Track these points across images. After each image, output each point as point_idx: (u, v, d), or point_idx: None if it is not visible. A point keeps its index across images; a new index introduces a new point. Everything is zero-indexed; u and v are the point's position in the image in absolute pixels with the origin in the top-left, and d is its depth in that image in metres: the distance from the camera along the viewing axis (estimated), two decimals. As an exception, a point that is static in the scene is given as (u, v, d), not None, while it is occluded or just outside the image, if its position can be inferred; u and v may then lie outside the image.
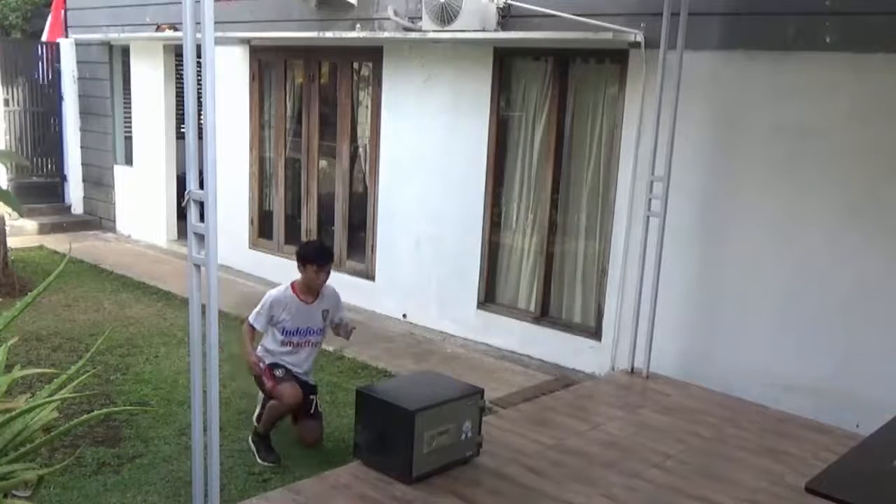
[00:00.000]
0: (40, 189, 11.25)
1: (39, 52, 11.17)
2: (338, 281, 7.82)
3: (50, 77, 11.15)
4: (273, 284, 8.38)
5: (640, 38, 5.57)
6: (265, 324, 4.73)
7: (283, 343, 4.71)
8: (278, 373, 4.64)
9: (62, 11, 11.16)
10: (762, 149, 5.22)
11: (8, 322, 3.49)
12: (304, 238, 8.27)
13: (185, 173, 3.06)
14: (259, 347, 4.78)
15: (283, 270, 8.36)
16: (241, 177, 8.78)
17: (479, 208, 6.71)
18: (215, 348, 3.07)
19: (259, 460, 4.53)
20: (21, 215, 6.41)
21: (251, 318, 4.76)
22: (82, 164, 11.19)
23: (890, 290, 4.78)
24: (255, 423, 4.71)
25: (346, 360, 6.20)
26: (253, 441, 4.65)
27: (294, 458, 4.57)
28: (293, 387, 4.56)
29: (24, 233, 10.08)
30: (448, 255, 6.89)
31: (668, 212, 5.40)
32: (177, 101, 9.75)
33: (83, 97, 10.96)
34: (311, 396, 4.77)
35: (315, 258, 4.74)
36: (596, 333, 6.16)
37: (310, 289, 4.78)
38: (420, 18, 6.55)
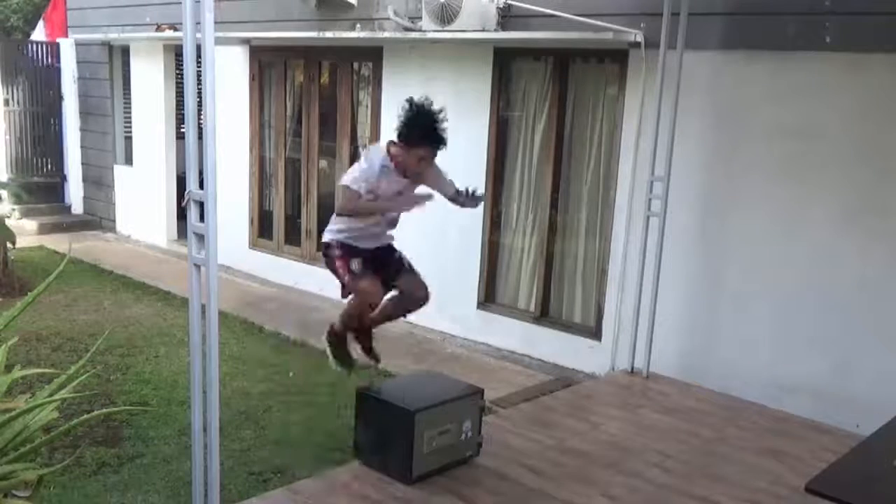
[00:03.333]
0: (40, 189, 11.26)
1: (40, 52, 11.17)
2: (338, 281, 7.86)
3: (50, 77, 11.15)
4: (273, 284, 8.48)
5: (640, 38, 5.57)
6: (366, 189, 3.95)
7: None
8: (354, 266, 4.08)
9: (58, 11, 11.16)
10: (762, 149, 5.22)
11: (8, 322, 3.48)
12: (304, 238, 8.28)
13: (185, 173, 3.06)
14: (332, 226, 4.20)
15: (283, 270, 8.40)
16: (241, 177, 8.78)
17: (478, 208, 6.68)
18: (215, 348, 3.07)
19: (332, 359, 4.26)
20: (13, 244, 6.48)
21: (352, 184, 3.94)
22: (82, 164, 11.19)
23: (890, 289, 4.78)
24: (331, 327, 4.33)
25: (346, 360, 6.20)
26: (328, 341, 4.31)
27: (294, 458, 4.57)
28: (373, 283, 4.08)
29: (24, 233, 10.07)
30: (448, 254, 6.89)
31: (668, 212, 5.40)
32: (177, 101, 9.75)
33: (83, 97, 10.97)
34: (397, 253, 4.28)
35: (427, 141, 3.95)
36: (596, 333, 6.16)
37: (404, 170, 4.05)
38: (420, 18, 6.55)
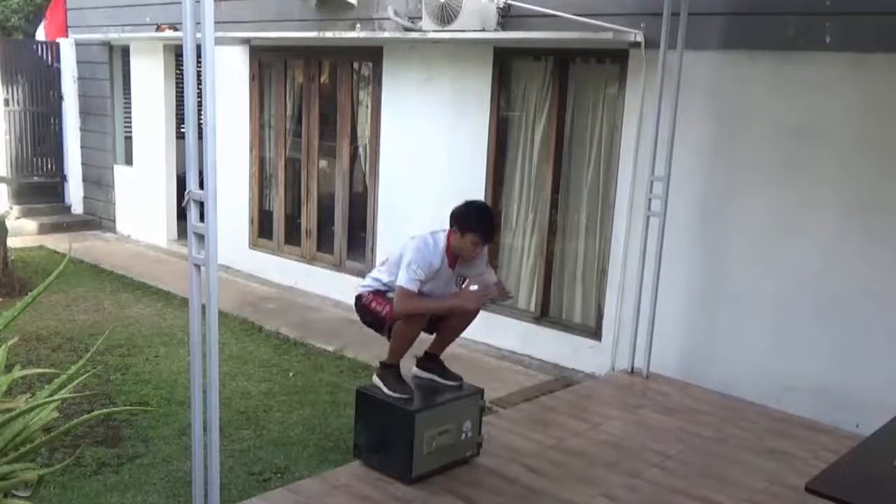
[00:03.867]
0: (40, 189, 11.26)
1: (40, 52, 11.17)
2: (338, 281, 7.87)
3: (50, 77, 11.15)
4: (273, 284, 8.48)
5: (640, 38, 5.56)
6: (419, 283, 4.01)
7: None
8: (390, 294, 4.12)
9: (58, 11, 11.15)
10: (762, 148, 5.22)
11: (8, 322, 3.48)
12: (304, 238, 8.28)
13: (185, 173, 3.06)
14: (371, 279, 4.25)
15: (283, 270, 8.40)
16: (241, 177, 8.78)
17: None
18: (215, 348, 3.07)
19: (388, 392, 4.05)
20: (3, 238, 6.53)
21: (409, 285, 3.97)
22: (82, 164, 11.19)
23: (890, 289, 4.78)
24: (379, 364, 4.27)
25: (347, 360, 6.20)
26: (379, 376, 4.15)
27: (294, 458, 4.57)
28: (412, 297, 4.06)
29: (24, 233, 10.08)
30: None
31: (668, 212, 5.40)
32: (177, 101, 9.75)
33: (83, 97, 10.97)
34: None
35: (481, 228, 4.05)
36: (596, 333, 6.16)
37: (457, 257, 4.14)
38: (420, 18, 6.55)
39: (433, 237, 4.11)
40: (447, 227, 4.13)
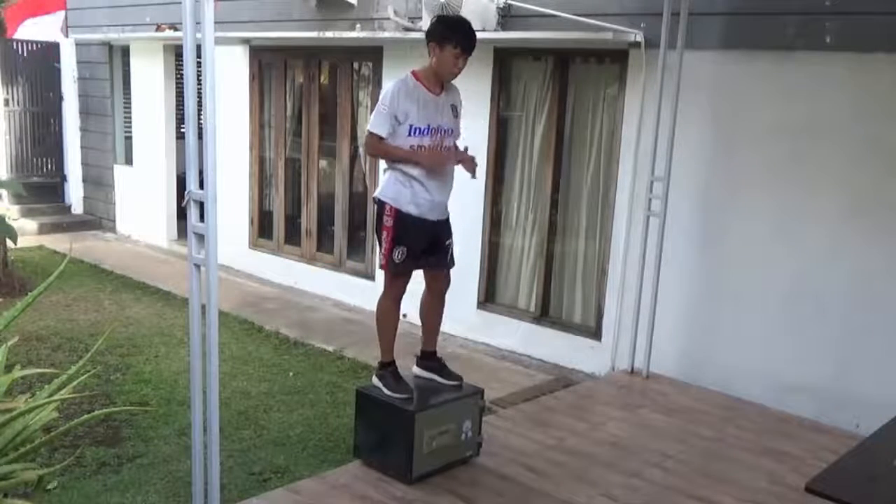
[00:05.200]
0: (40, 189, 11.25)
1: (39, 52, 11.16)
2: (338, 281, 7.87)
3: (50, 77, 11.15)
4: (273, 284, 8.48)
5: (640, 38, 5.56)
6: (391, 125, 3.87)
7: (414, 147, 3.94)
8: (397, 254, 4.00)
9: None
10: (762, 149, 5.22)
11: (8, 322, 3.49)
12: (304, 238, 8.28)
13: (185, 173, 3.06)
14: (388, 173, 4.04)
15: (283, 270, 8.40)
16: (241, 177, 8.78)
17: (479, 208, 6.70)
18: (215, 348, 3.07)
19: (388, 392, 4.01)
20: (14, 243, 6.50)
21: (372, 127, 3.91)
22: (82, 164, 11.18)
23: (890, 289, 4.78)
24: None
25: (347, 360, 6.20)
26: (378, 377, 4.11)
27: (294, 458, 4.57)
28: (406, 280, 4.09)
29: (24, 233, 10.05)
30: (448, 255, 6.89)
31: (668, 212, 5.40)
32: (177, 101, 9.75)
33: (83, 97, 10.96)
34: (448, 242, 4.18)
35: (461, 38, 3.93)
36: (596, 333, 6.16)
37: (439, 77, 4.00)
38: (420, 18, 6.55)
39: (400, 79, 3.99)
40: None
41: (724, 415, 5.05)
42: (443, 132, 4.02)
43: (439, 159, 3.97)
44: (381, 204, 4.04)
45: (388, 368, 4.14)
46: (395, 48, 7.13)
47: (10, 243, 7.97)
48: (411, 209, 3.99)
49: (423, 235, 4.05)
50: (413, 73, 4.02)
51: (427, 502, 3.80)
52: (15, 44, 10.81)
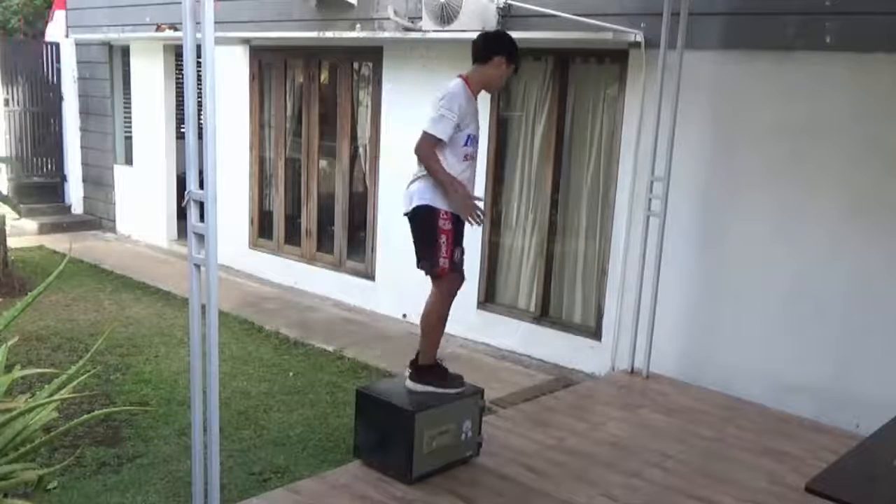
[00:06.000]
0: (40, 189, 11.27)
1: (40, 52, 11.17)
2: (337, 281, 7.88)
3: (50, 77, 11.15)
4: (273, 284, 8.48)
5: (640, 38, 5.57)
6: (453, 130, 3.83)
7: (464, 157, 3.93)
8: (458, 254, 3.98)
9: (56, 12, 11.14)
10: (762, 149, 5.22)
11: (8, 322, 3.49)
12: (304, 238, 8.28)
13: (185, 173, 3.06)
14: (425, 181, 3.95)
15: (283, 270, 8.40)
16: (241, 177, 8.78)
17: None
18: (215, 348, 3.07)
19: (442, 390, 3.99)
20: (20, 216, 6.42)
21: (432, 129, 3.85)
22: (82, 164, 11.19)
23: (890, 289, 4.78)
24: (410, 366, 4.13)
25: (346, 360, 6.21)
26: (424, 381, 4.03)
27: (294, 458, 4.57)
28: (461, 278, 4.06)
29: (24, 233, 10.08)
30: (448, 255, 6.89)
31: (668, 212, 5.40)
32: (177, 101, 9.75)
33: (83, 97, 10.97)
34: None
35: (519, 60, 4.07)
36: (596, 333, 6.16)
37: (487, 88, 4.10)
38: (420, 18, 6.55)
39: (450, 84, 3.97)
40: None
41: (724, 415, 5.05)
42: (478, 143, 4.11)
43: (469, 207, 3.97)
44: (431, 210, 3.95)
45: (435, 368, 4.10)
46: (395, 48, 7.13)
47: (10, 244, 7.98)
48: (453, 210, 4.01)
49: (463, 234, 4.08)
50: (464, 78, 4.00)
51: (427, 502, 3.80)
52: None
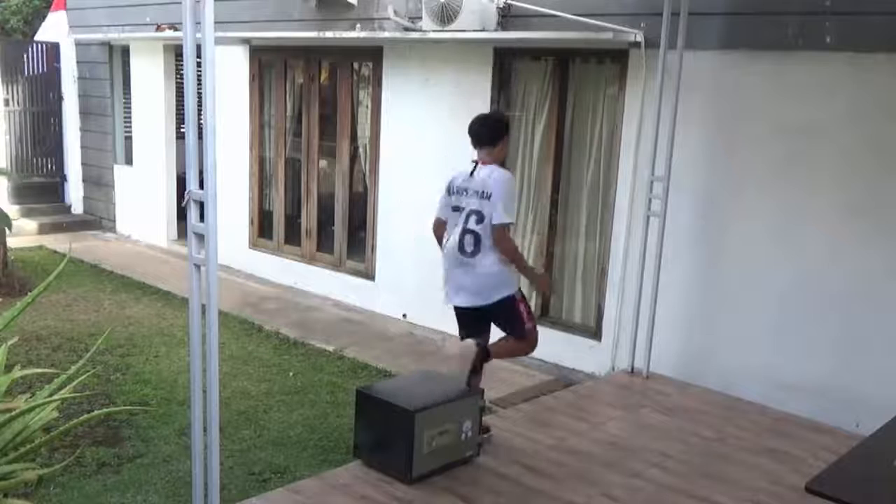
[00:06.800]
0: (40, 189, 11.26)
1: (40, 52, 11.16)
2: (337, 281, 7.87)
3: (50, 77, 11.15)
4: (273, 284, 8.48)
5: (640, 38, 5.56)
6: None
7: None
8: (531, 311, 4.42)
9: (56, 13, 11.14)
10: (762, 149, 5.22)
11: (8, 322, 3.49)
12: (304, 238, 8.28)
13: (185, 173, 3.06)
14: (494, 259, 4.27)
15: (283, 270, 8.40)
16: (241, 177, 8.78)
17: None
18: (215, 348, 3.07)
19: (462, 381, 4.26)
20: (10, 230, 6.43)
21: (510, 217, 4.26)
22: (82, 164, 11.18)
23: (890, 289, 4.78)
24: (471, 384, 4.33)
25: (346, 360, 6.21)
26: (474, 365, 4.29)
27: (294, 458, 4.57)
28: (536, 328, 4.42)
29: (24, 233, 10.08)
30: (448, 255, 6.89)
31: (668, 212, 5.40)
32: (177, 101, 9.75)
33: (83, 97, 10.96)
34: None
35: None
36: (596, 333, 6.15)
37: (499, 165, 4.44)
38: (420, 18, 6.55)
39: (497, 174, 4.28)
40: (474, 159, 4.43)
41: (724, 415, 5.05)
42: None
43: (547, 284, 5.06)
44: (511, 298, 4.32)
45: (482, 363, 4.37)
46: (395, 48, 7.13)
47: (10, 244, 7.98)
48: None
49: None
50: (496, 163, 4.38)
51: (427, 502, 3.80)
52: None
